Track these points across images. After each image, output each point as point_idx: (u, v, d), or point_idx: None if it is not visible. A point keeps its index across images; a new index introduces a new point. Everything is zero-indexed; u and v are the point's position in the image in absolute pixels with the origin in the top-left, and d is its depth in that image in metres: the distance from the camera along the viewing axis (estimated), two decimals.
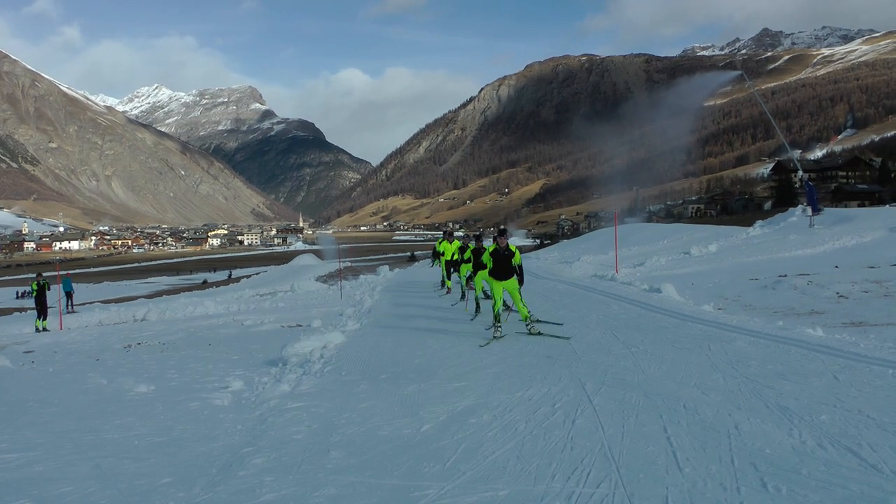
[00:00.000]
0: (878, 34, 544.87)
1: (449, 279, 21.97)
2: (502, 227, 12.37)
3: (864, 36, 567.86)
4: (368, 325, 15.63)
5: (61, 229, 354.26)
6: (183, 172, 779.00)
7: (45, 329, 24.73)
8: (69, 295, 35.31)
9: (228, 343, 14.95)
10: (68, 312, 30.73)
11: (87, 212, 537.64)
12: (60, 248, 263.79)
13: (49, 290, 26.46)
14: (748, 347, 9.67)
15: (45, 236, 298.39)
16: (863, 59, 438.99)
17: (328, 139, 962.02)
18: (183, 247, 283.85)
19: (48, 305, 26.13)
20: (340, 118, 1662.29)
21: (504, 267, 12.35)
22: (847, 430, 5.78)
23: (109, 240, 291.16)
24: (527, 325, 12.24)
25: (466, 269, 18.12)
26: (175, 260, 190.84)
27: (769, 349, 9.48)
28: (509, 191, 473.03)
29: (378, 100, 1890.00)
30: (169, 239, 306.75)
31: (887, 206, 64.89)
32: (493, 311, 12.43)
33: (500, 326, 12.34)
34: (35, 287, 26.46)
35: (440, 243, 23.71)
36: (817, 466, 4.99)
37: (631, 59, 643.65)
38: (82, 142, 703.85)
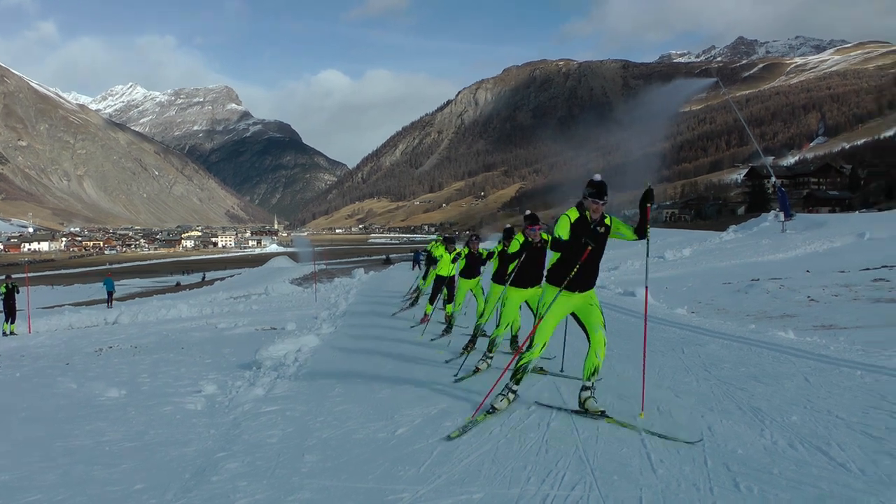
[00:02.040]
0: (849, 45, 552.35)
1: (433, 303, 15.99)
2: (598, 177, 6.84)
3: (835, 46, 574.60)
4: (343, 329, 15.60)
5: (31, 230, 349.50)
6: (157, 173, 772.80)
7: (13, 333, 24.42)
8: (110, 294, 42.17)
9: (202, 346, 14.85)
10: (108, 308, 33.64)
11: (57, 212, 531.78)
12: (30, 249, 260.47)
13: (18, 292, 26.11)
14: (721, 350, 9.76)
15: (14, 237, 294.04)
16: (834, 68, 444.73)
17: (305, 141, 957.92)
18: (156, 248, 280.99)
19: (17, 308, 25.79)
20: (319, 120, 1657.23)
21: (595, 263, 6.98)
22: (817, 431, 5.87)
23: (81, 241, 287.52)
24: (582, 391, 6.91)
25: (469, 286, 13.69)
26: (148, 262, 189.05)
27: (742, 352, 9.57)
28: (485, 194, 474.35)
29: (357, 102, 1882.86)
30: (142, 240, 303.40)
31: (857, 212, 65.84)
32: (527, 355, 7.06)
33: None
34: (4, 290, 26.11)
35: (436, 248, 19.62)
36: (788, 466, 5.06)
37: (608, 64, 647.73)
38: (53, 140, 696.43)
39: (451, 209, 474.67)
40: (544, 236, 9.35)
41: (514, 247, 9.49)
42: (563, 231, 6.85)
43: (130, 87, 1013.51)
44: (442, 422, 6.89)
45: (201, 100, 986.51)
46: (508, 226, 11.20)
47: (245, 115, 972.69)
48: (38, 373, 12.33)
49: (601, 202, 6.75)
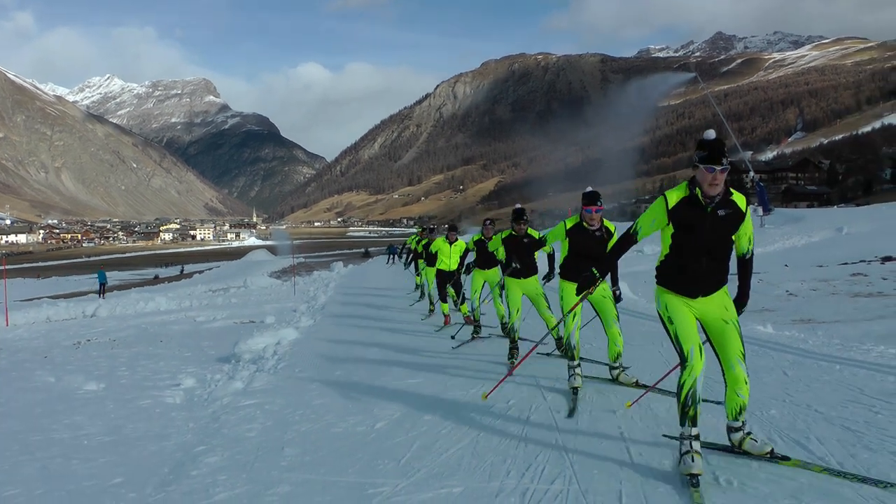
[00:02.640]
0: (827, 41, 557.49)
1: (446, 300, 14.07)
2: (711, 133, 5.05)
3: (813, 42, 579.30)
4: (322, 322, 15.59)
5: (8, 222, 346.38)
6: (135, 165, 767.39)
7: None
8: (102, 285, 43.27)
9: (180, 339, 14.78)
10: (101, 298, 34.12)
11: (35, 204, 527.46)
12: (7, 241, 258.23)
13: None
14: None
15: None
16: (812, 64, 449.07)
17: (284, 134, 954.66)
18: (134, 241, 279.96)
19: None
20: (298, 113, 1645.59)
21: (718, 260, 5.13)
22: (796, 424, 5.90)
23: (58, 233, 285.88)
24: (732, 434, 5.25)
25: (487, 278, 11.56)
26: (126, 255, 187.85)
27: None
28: (464, 188, 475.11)
29: (337, 95, 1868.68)
30: (120, 233, 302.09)
31: (835, 207, 66.51)
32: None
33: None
34: None
35: (421, 241, 18.78)
36: (768, 459, 5.08)
37: (587, 58, 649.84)
38: (31, 132, 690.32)
39: (429, 203, 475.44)
40: (608, 225, 7.77)
41: (556, 233, 8.12)
42: (645, 224, 5.24)
43: (108, 78, 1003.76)
44: (422, 416, 6.89)
45: (179, 92, 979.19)
46: (519, 206, 9.40)
47: (224, 107, 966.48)
48: (16, 366, 12.21)
49: (719, 169, 4.81)
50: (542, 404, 7.07)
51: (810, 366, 8.05)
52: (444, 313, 13.87)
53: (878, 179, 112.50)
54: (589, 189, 7.62)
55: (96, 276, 46.71)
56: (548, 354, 9.52)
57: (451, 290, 14.42)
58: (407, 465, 5.48)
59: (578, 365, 6.76)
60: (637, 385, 6.30)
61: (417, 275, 20.16)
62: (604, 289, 7.64)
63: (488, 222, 11.88)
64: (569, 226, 7.80)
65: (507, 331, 9.63)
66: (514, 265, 9.09)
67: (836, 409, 6.31)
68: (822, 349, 9.03)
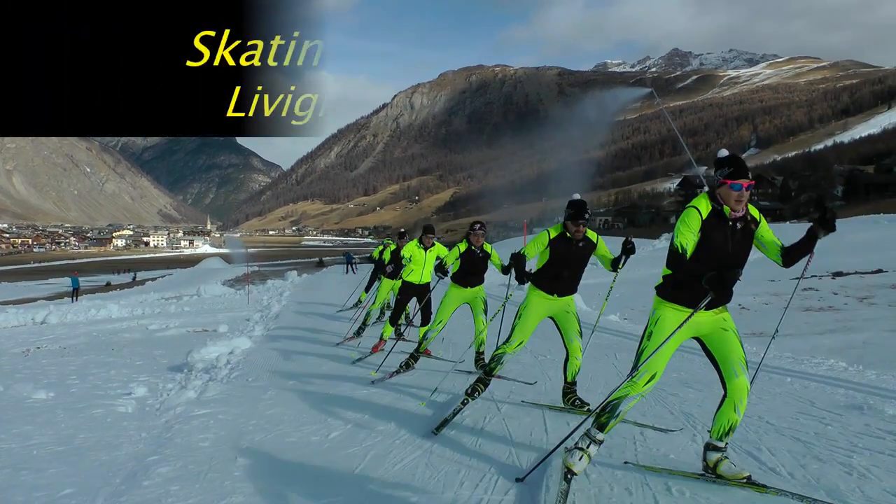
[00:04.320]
0: (781, 59, 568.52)
1: (395, 323, 11.62)
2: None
3: (768, 60, 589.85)
4: (275, 331, 15.46)
5: None
6: (88, 170, 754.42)
7: None
8: (75, 290, 43.76)
9: (132, 348, 14.56)
10: (72, 303, 33.30)
11: None
12: None
13: None
14: None
15: None
16: (766, 82, 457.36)
17: (240, 141, 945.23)
18: (86, 247, 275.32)
19: None
20: None
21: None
22: (747, 436, 6.01)
23: (8, 238, 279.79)
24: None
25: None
26: (78, 261, 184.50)
27: (673, 358, 9.69)
28: (420, 199, 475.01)
29: None
30: (72, 239, 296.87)
31: (788, 223, 67.70)
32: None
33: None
34: None
35: (388, 248, 14.29)
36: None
37: (544, 71, 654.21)
38: None
39: (385, 213, 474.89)
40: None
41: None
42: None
43: None
44: (376, 426, 6.87)
45: None
46: (578, 197, 6.99)
47: None
48: None
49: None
50: (496, 416, 7.09)
51: (762, 378, 8.17)
52: (382, 337, 11.49)
53: (830, 196, 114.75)
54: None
55: (70, 280, 47.22)
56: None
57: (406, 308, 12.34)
58: (361, 475, 5.48)
59: (603, 441, 4.92)
60: (749, 482, 4.75)
61: (366, 290, 18.21)
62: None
63: (478, 227, 9.51)
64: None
65: (486, 367, 7.19)
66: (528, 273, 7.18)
67: (787, 421, 6.44)
68: (773, 362, 9.21)
